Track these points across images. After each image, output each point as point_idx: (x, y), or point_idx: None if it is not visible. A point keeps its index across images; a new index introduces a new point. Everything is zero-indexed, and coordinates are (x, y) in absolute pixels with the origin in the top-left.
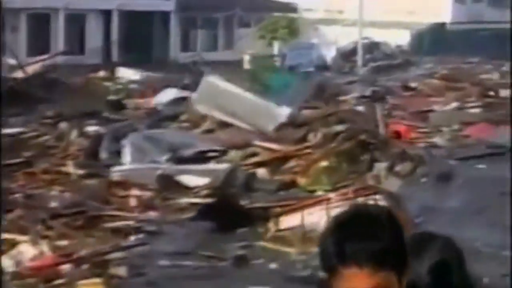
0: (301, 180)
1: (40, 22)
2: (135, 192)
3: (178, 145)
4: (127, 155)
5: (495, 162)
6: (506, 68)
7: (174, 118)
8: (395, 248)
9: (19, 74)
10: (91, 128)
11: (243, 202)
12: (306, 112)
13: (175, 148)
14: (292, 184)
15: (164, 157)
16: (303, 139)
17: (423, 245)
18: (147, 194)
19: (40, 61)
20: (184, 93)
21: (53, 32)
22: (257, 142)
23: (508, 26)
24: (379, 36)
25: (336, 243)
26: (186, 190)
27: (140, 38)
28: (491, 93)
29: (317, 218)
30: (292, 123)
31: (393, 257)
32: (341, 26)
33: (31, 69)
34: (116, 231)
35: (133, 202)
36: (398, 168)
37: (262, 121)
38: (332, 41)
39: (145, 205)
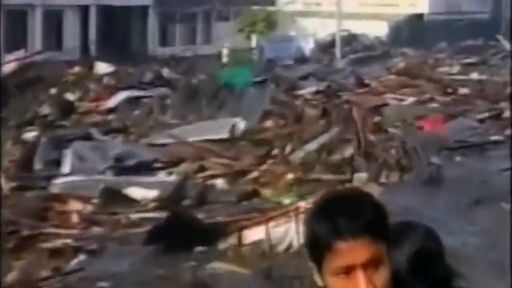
0: (266, 191)
1: (17, 19)
2: (76, 206)
3: (123, 155)
4: (67, 165)
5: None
6: (469, 60)
7: (123, 127)
8: (384, 220)
9: None
10: (30, 135)
11: (200, 216)
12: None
13: (119, 158)
14: (254, 194)
15: (104, 166)
16: (266, 155)
17: (403, 234)
18: (90, 208)
19: (17, 60)
20: (138, 93)
21: (30, 29)
22: (214, 159)
23: (484, 16)
24: (357, 28)
25: (329, 220)
26: (133, 203)
27: (118, 33)
28: (449, 90)
29: (284, 230)
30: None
31: (383, 227)
32: (320, 18)
33: (7, 68)
34: (54, 252)
35: (74, 218)
36: (383, 178)
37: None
38: (310, 34)
39: (88, 221)
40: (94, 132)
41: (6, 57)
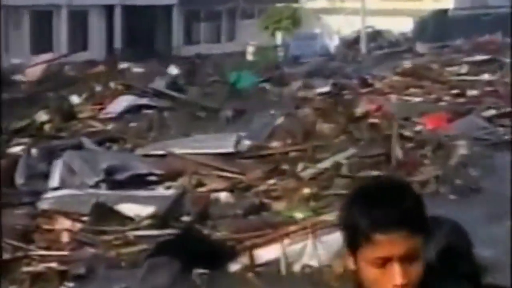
0: (276, 204)
1: (42, 19)
2: (64, 224)
3: (116, 167)
4: (55, 178)
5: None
6: (483, 57)
7: (118, 138)
8: (423, 213)
9: (24, 77)
10: (17, 148)
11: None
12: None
13: (111, 170)
14: (263, 207)
15: (95, 179)
16: (274, 169)
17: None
18: (80, 226)
19: (45, 62)
20: (141, 101)
21: (56, 29)
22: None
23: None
24: (382, 24)
25: (368, 210)
26: (127, 220)
27: (143, 32)
28: (454, 91)
29: (300, 247)
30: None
31: (421, 220)
32: (344, 15)
33: (33, 71)
34: (37, 277)
35: (62, 237)
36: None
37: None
38: (335, 30)
39: (77, 241)
40: (86, 141)
41: (32, 59)
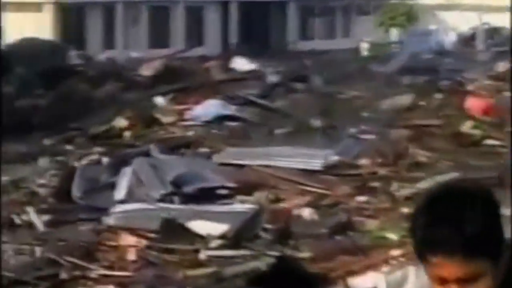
0: (366, 223)
1: (160, 15)
2: (130, 241)
3: (185, 178)
4: (121, 190)
5: None
6: None
7: (193, 142)
8: (490, 233)
9: (144, 70)
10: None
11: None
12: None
13: (179, 181)
14: (350, 226)
15: (161, 192)
16: (363, 186)
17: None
18: (146, 244)
19: (162, 57)
20: (228, 110)
21: (173, 24)
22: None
23: None
24: (499, 21)
25: (425, 228)
26: (198, 238)
27: (258, 27)
28: None
29: (401, 275)
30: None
31: (487, 243)
32: (460, 11)
33: (150, 67)
34: None
35: (126, 255)
36: None
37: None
38: (451, 27)
39: (143, 260)
40: (153, 149)
41: (150, 54)
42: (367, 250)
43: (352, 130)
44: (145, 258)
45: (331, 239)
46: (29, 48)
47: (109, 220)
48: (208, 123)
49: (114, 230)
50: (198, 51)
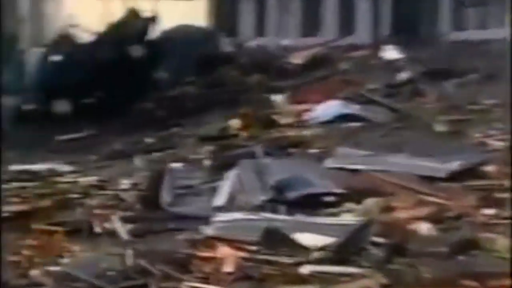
0: (495, 242)
1: (311, 3)
2: (227, 253)
3: (287, 182)
4: (222, 196)
5: None
6: None
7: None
8: None
9: (294, 58)
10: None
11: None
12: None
13: (281, 187)
14: (475, 245)
15: (260, 199)
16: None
17: None
18: (244, 255)
19: (313, 46)
20: (350, 109)
21: (324, 13)
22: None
23: None
24: None
25: None
26: (300, 252)
27: (409, 17)
28: None
29: None
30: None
31: None
32: None
33: (303, 54)
34: None
35: (223, 268)
36: None
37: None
38: None
39: (240, 272)
40: (258, 149)
41: (300, 42)
42: (495, 274)
43: (477, 135)
44: (242, 271)
45: (451, 259)
46: (183, 35)
47: (208, 230)
48: (327, 123)
49: (211, 240)
50: (348, 40)
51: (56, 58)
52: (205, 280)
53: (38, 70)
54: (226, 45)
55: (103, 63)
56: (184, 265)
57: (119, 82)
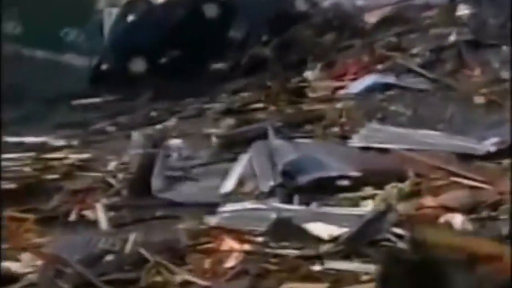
0: None
1: None
2: (230, 245)
3: (298, 165)
4: (231, 181)
5: None
6: None
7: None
8: None
9: (369, 17)
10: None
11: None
12: None
13: (291, 170)
14: None
15: (269, 185)
16: None
17: None
18: (249, 248)
19: (386, 5)
20: (386, 79)
21: None
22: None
23: None
24: None
25: None
26: (310, 245)
27: None
28: None
29: None
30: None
31: None
32: None
33: (376, 13)
34: None
35: (228, 261)
36: None
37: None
38: None
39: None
40: (273, 128)
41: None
42: None
43: None
44: (244, 266)
45: None
46: None
47: (214, 220)
48: (359, 95)
49: (214, 231)
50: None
51: (132, 18)
52: (200, 274)
53: (114, 30)
54: (301, 4)
55: (178, 22)
56: (181, 258)
57: (193, 42)
